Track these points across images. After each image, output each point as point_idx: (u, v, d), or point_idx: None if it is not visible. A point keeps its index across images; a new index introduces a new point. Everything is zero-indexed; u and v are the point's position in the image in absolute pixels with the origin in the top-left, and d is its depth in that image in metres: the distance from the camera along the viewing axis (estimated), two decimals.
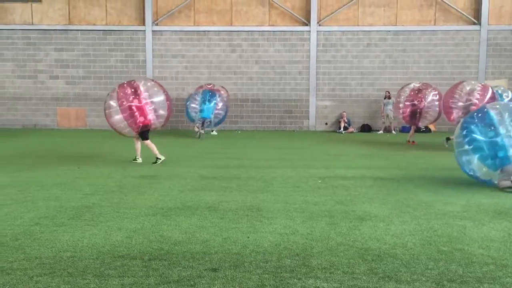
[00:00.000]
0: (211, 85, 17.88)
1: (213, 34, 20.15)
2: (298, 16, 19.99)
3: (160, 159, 9.78)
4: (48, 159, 10.36)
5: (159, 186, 7.04)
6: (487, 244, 4.26)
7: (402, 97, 13.88)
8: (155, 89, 9.77)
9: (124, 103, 9.32)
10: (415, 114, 13.64)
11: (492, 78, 18.47)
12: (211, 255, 3.91)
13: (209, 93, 16.43)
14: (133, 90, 9.44)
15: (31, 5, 20.14)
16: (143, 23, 20.08)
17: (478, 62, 19.63)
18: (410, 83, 14.43)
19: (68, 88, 20.34)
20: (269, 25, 20.13)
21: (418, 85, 14.03)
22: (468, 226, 4.87)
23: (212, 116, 16.31)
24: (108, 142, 14.44)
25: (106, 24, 20.20)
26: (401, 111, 14.00)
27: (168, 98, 9.95)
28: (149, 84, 9.83)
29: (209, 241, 4.30)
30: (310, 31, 19.87)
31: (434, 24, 19.84)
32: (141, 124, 9.52)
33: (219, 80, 19.81)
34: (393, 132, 19.01)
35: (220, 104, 16.67)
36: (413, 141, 14.39)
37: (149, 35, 20.02)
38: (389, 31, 19.86)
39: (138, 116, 9.41)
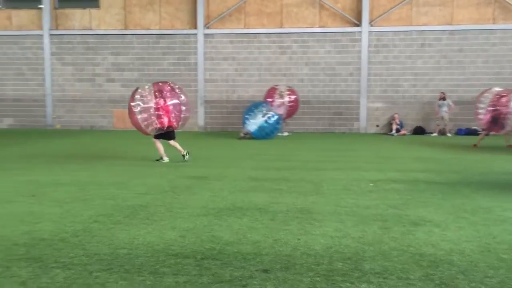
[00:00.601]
0: (277, 86, 18.00)
1: (263, 36, 20.26)
2: (349, 17, 19.75)
3: (163, 160, 10.22)
4: (105, 159, 10.75)
5: (210, 187, 7.15)
6: None
7: (483, 102, 13.39)
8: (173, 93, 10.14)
9: (158, 103, 9.72)
10: (496, 119, 13.15)
11: None
12: (262, 256, 3.94)
13: (260, 106, 16.31)
14: (161, 91, 9.87)
15: (90, 11, 21.00)
16: (195, 26, 20.47)
17: None
18: (491, 88, 13.99)
19: (124, 90, 21.00)
20: (319, 27, 20.00)
21: (500, 89, 13.59)
22: None
23: (254, 128, 16.03)
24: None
25: (160, 28, 20.75)
26: (481, 116, 13.54)
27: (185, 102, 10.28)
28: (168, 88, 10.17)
29: (260, 242, 4.32)
30: (361, 31, 19.59)
31: (493, 23, 19.04)
32: (166, 125, 9.94)
33: (270, 82, 19.87)
34: (448, 134, 18.40)
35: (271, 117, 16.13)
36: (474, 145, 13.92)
37: (200, 38, 20.38)
38: (444, 30, 19.24)
39: (163, 116, 9.82)
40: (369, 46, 19.65)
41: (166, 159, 10.28)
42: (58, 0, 21.31)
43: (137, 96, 9.92)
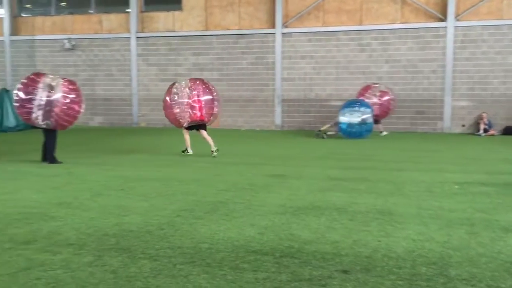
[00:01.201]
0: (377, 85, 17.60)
1: (341, 34, 19.95)
2: (433, 12, 18.91)
3: (188, 152, 11.10)
4: (187, 156, 11.12)
5: (288, 185, 7.18)
6: None
7: None
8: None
9: (194, 98, 10.69)
10: None
11: None
12: (341, 257, 3.89)
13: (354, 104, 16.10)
14: (196, 87, 10.84)
15: (173, 13, 21.84)
16: (273, 26, 20.60)
17: None
18: None
19: None
20: (401, 23, 19.35)
21: None
22: None
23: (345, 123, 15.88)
24: (239, 141, 15.07)
25: (239, 29, 21.11)
26: None
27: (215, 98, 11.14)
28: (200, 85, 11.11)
29: (339, 243, 4.28)
30: (446, 27, 18.67)
31: None
32: (198, 118, 10.82)
33: (347, 80, 19.57)
34: None
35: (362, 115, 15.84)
36: None
37: (278, 38, 20.47)
38: None
39: (197, 110, 10.72)
40: (455, 41, 18.68)
41: (190, 151, 11.11)
42: (144, 4, 22.37)
43: (174, 90, 10.89)
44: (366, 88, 17.49)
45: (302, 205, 5.83)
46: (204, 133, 11.08)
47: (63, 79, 9.73)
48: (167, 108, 10.98)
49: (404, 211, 5.49)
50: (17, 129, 17.75)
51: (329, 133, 16.40)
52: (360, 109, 15.75)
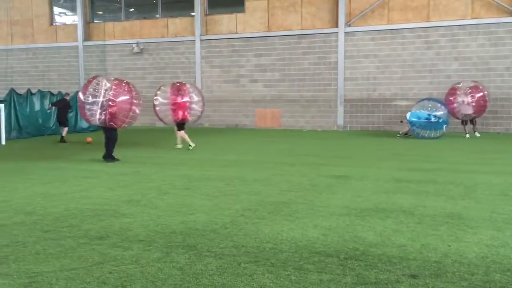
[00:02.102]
0: (475, 83, 16.56)
1: (407, 31, 19.37)
2: (507, 6, 17.91)
3: (191, 146, 12.32)
4: (249, 156, 11.23)
5: (351, 187, 7.07)
6: None
7: None
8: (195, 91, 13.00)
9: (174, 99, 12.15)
10: None
11: None
12: (408, 261, 3.78)
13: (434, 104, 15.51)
14: (180, 90, 12.33)
15: (236, 15, 22.14)
16: (336, 25, 20.36)
17: None
18: None
19: (266, 90, 21.77)
20: (471, 18, 18.49)
21: None
22: None
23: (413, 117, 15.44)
24: (301, 142, 15.00)
25: (301, 29, 21.04)
26: None
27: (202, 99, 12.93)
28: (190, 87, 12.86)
29: (406, 246, 4.15)
30: None
31: None
32: (179, 118, 12.28)
33: (413, 79, 18.97)
34: None
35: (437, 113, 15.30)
36: None
37: (341, 37, 20.21)
38: None
39: (178, 111, 12.20)
40: None
41: (193, 144, 12.37)
42: (208, 7, 22.85)
43: (159, 92, 12.57)
44: (452, 92, 16.39)
45: (366, 207, 5.72)
46: (180, 132, 12.58)
47: (117, 81, 10.39)
48: (154, 107, 12.60)
49: (475, 215, 5.24)
50: (90, 129, 18.68)
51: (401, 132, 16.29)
52: (429, 106, 15.29)
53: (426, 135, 15.19)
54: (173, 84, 12.67)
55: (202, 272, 3.54)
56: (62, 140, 14.85)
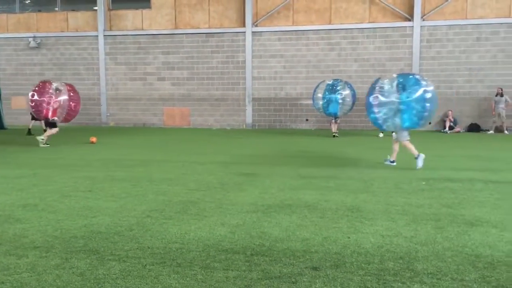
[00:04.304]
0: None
1: (311, 33, 20.13)
2: (400, 12, 19.29)
3: (45, 143, 12.89)
4: (157, 155, 11.03)
5: (259, 184, 7.19)
6: None
7: None
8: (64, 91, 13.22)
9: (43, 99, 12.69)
10: None
11: None
12: (311, 254, 3.93)
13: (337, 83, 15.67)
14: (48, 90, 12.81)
15: (142, 11, 21.58)
16: (243, 25, 20.62)
17: None
18: None
19: (174, 89, 21.49)
20: (369, 22, 19.65)
21: None
22: None
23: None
24: (210, 140, 15.02)
25: (209, 27, 21.04)
26: None
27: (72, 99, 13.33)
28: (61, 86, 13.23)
29: (309, 240, 4.31)
30: (413, 26, 19.10)
31: None
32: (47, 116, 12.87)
33: (318, 79, 19.75)
34: (506, 132, 17.63)
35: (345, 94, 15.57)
36: None
37: (249, 36, 20.51)
38: (502, 23, 18.43)
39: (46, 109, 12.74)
40: (421, 41, 19.12)
41: (46, 145, 12.87)
42: (112, 1, 22.03)
43: (37, 89, 12.98)
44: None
45: (273, 203, 5.86)
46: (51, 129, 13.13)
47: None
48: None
49: (372, 208, 5.57)
50: None
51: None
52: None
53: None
54: (42, 82, 13.21)
55: (105, 277, 3.41)
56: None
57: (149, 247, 4.09)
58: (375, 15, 19.65)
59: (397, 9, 19.30)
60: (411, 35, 19.19)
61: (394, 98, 8.65)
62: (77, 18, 22.35)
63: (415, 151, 9.03)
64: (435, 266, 3.61)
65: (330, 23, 20.00)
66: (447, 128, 18.19)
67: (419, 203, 5.80)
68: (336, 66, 19.87)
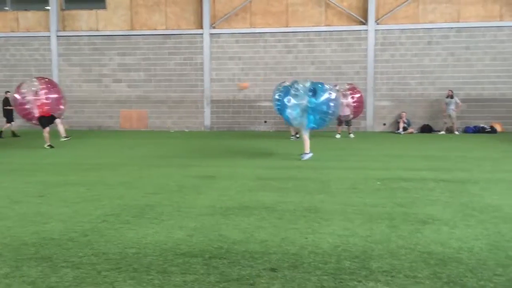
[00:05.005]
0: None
1: (269, 35, 20.27)
2: (355, 15, 19.70)
3: (50, 146, 12.87)
4: (113, 159, 10.80)
5: (217, 186, 7.17)
6: None
7: None
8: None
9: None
10: None
11: None
12: (269, 255, 3.94)
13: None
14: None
15: (96, 12, 21.10)
16: (201, 26, 20.52)
17: None
18: None
19: (130, 91, 21.12)
20: (325, 25, 19.98)
21: None
22: None
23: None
24: (168, 143, 14.85)
25: (166, 29, 20.82)
26: None
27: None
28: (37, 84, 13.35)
29: (268, 241, 4.33)
30: (367, 30, 19.55)
31: (500, 20, 18.92)
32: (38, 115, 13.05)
33: (275, 81, 19.86)
34: (456, 132, 18.31)
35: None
36: None
37: (206, 38, 20.42)
38: (451, 28, 19.16)
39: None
40: (376, 44, 19.60)
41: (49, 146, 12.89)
42: (65, 1, 21.44)
43: (23, 90, 13.10)
44: None
45: (231, 205, 5.84)
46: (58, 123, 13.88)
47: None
48: (17, 105, 13.29)
49: (330, 208, 5.66)
50: None
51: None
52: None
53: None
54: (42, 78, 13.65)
55: (57, 285, 3.30)
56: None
57: (104, 253, 3.99)
58: (331, 19, 20.00)
59: (352, 13, 19.72)
60: (366, 39, 19.64)
61: (305, 101, 9.94)
62: (28, 18, 21.62)
63: (307, 148, 10.48)
64: (390, 264, 3.70)
65: (287, 26, 20.19)
66: (401, 129, 18.71)
67: (375, 203, 5.93)
68: (293, 69, 20.07)
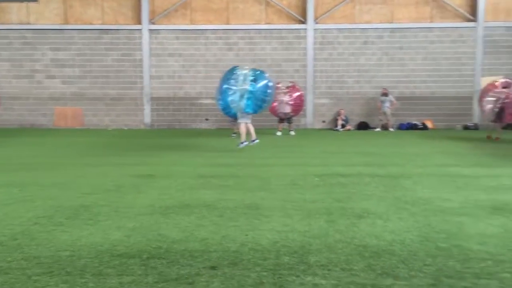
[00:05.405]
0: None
1: (209, 32, 20.14)
2: (294, 14, 19.99)
3: None
4: (47, 158, 10.35)
5: (157, 185, 7.05)
6: (484, 240, 4.28)
7: (490, 95, 14.37)
8: None
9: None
10: (501, 111, 14.08)
11: (488, 75, 18.50)
12: (209, 253, 3.92)
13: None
14: None
15: (27, 4, 20.08)
16: (139, 22, 20.05)
17: (475, 59, 19.67)
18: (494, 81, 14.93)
19: (65, 87, 20.31)
20: (265, 23, 20.13)
21: (503, 81, 14.57)
22: (466, 222, 4.89)
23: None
24: (105, 141, 14.43)
25: (103, 24, 20.17)
26: (486, 108, 14.62)
27: None
28: None
29: (208, 239, 4.31)
30: (306, 29, 19.89)
31: (431, 21, 19.87)
32: None
33: (217, 79, 19.76)
34: (391, 129, 19.03)
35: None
36: (496, 137, 14.39)
37: (145, 34, 20.00)
38: (385, 28, 19.88)
39: None
40: (315, 43, 19.98)
41: None
42: None
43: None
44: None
45: (171, 204, 5.76)
46: None
47: None
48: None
49: (270, 205, 5.71)
50: None
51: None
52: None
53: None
54: None
55: None
56: None
57: (35, 257, 3.81)
58: (271, 17, 20.17)
59: (291, 12, 19.99)
60: (305, 37, 19.97)
61: (245, 86, 10.72)
62: None
63: (248, 136, 11.29)
64: (327, 258, 3.79)
65: (228, 23, 20.15)
66: (339, 126, 19.21)
67: (313, 199, 6.06)
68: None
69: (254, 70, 11.26)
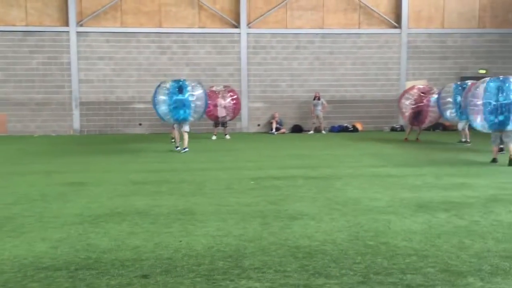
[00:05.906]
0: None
1: (142, 35, 19.74)
2: (228, 18, 20.05)
3: None
4: None
5: (86, 193, 6.78)
6: (409, 236, 4.49)
7: (407, 99, 15.20)
8: None
9: None
10: (418, 115, 14.98)
11: (412, 79, 19.50)
12: (141, 262, 3.82)
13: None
14: None
15: None
16: (66, 24, 19.28)
17: (400, 64, 20.66)
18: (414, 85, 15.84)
19: None
20: (199, 27, 20.03)
21: (422, 86, 15.48)
22: (393, 220, 5.10)
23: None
24: (31, 149, 13.72)
25: (27, 25, 19.19)
26: (405, 112, 15.37)
27: None
28: None
29: (140, 247, 4.20)
30: (240, 33, 20.00)
31: (359, 27, 20.64)
32: None
33: (150, 83, 19.44)
34: (323, 132, 19.54)
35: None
36: (417, 138, 15.40)
37: (73, 37, 19.25)
38: (316, 33, 20.41)
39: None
40: (248, 47, 20.13)
41: None
42: None
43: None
44: (211, 94, 16.18)
45: (102, 212, 5.57)
46: None
47: None
48: None
49: (204, 209, 5.67)
50: None
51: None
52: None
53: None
54: None
55: None
56: None
57: None
58: (204, 21, 20.10)
59: (225, 16, 20.02)
60: (239, 41, 20.08)
61: (174, 97, 11.71)
62: None
63: (186, 144, 12.07)
64: (261, 261, 3.81)
65: (160, 26, 19.85)
66: (274, 130, 19.46)
67: (248, 202, 6.08)
68: (168, 70, 19.77)
69: (178, 81, 12.11)
